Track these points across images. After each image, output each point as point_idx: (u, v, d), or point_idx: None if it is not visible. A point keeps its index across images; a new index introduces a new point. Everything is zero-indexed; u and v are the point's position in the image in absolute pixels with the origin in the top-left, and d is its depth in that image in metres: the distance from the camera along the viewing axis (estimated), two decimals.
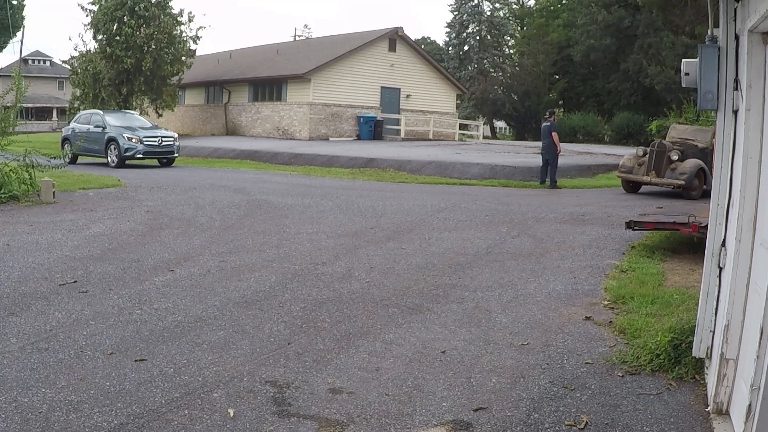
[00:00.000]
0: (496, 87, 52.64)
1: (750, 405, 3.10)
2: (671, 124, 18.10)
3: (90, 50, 32.46)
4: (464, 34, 59.19)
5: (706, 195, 13.09)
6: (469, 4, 58.39)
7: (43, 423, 3.63)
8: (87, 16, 31.98)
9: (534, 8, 60.75)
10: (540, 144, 18.08)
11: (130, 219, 10.45)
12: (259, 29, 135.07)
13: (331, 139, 32.18)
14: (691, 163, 14.44)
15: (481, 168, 19.13)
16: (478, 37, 58.47)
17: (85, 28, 32.23)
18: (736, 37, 3.92)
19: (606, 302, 6.26)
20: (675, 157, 14.58)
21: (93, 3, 31.81)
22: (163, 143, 21.08)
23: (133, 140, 20.49)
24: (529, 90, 50.17)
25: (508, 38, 61.43)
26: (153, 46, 31.53)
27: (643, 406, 4.06)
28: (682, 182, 14.28)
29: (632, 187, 15.67)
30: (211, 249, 8.39)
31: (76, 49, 34.47)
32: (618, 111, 42.67)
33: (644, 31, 40.10)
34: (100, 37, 31.71)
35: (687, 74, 4.36)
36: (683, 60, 4.47)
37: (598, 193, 15.99)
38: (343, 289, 6.63)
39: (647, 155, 15.09)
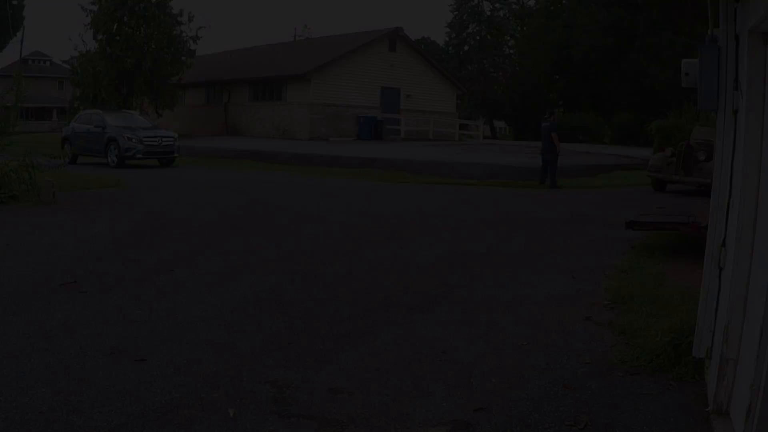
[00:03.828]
0: (496, 87, 52.61)
1: (750, 405, 3.09)
2: (695, 126, 18.23)
3: (90, 50, 32.48)
4: (464, 34, 59.15)
5: None
6: (469, 4, 58.34)
7: (43, 423, 3.63)
8: (87, 16, 32.02)
9: (534, 8, 60.70)
10: (540, 144, 18.09)
11: (130, 219, 10.45)
12: (259, 29, 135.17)
13: (331, 139, 32.16)
14: None
15: (482, 168, 19.13)
16: (478, 37, 58.44)
17: (85, 28, 32.26)
18: (736, 38, 3.91)
19: (606, 302, 6.25)
20: (702, 157, 14.88)
21: (93, 3, 31.83)
22: (163, 143, 21.06)
23: (133, 140, 20.47)
24: (529, 90, 50.13)
25: (508, 38, 61.39)
26: (153, 46, 31.58)
27: (643, 406, 4.06)
28: (710, 181, 14.46)
29: (660, 185, 16.23)
30: (211, 249, 8.38)
31: (76, 49, 34.53)
32: (618, 111, 42.64)
33: (644, 31, 40.07)
34: (100, 37, 31.75)
35: (687, 74, 4.35)
36: (683, 60, 4.47)
37: (598, 193, 16.00)
38: (343, 289, 6.63)
39: (675, 155, 15.42)
